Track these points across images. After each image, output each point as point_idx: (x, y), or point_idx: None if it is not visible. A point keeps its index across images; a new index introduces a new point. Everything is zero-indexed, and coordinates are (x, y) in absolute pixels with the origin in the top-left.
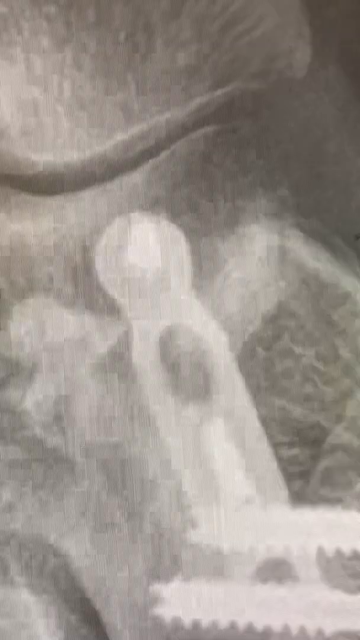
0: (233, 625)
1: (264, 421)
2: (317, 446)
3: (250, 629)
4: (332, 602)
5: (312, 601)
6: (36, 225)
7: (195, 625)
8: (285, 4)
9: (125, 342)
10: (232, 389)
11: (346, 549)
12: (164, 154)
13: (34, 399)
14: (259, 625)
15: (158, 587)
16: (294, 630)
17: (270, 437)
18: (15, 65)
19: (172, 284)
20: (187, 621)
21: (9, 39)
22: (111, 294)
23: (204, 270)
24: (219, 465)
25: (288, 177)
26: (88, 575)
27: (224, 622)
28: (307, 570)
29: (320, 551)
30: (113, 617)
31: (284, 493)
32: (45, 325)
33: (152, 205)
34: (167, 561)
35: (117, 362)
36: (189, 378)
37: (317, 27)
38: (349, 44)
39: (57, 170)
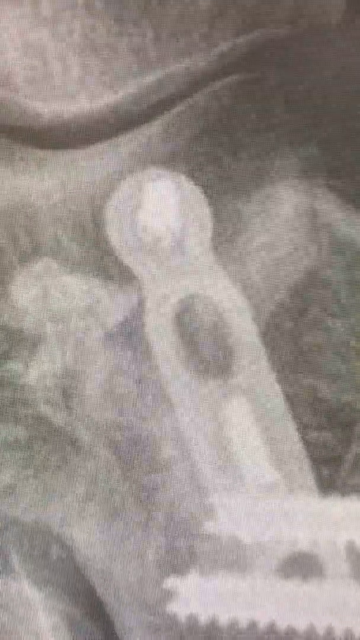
0: (253, 624)
1: (290, 401)
2: (348, 429)
3: (272, 628)
4: None
5: (340, 599)
6: (42, 182)
7: (212, 623)
8: None
9: (138, 311)
10: (255, 364)
11: None
12: (182, 105)
13: (38, 372)
14: (282, 625)
15: (172, 582)
16: (320, 631)
17: (296, 418)
18: (21, 7)
19: (191, 248)
20: (203, 619)
21: None
22: (123, 258)
23: (226, 233)
24: (239, 448)
25: (318, 133)
26: (95, 567)
27: (243, 621)
28: (335, 565)
29: (350, 545)
30: (122, 613)
31: (311, 480)
32: (51, 291)
33: (170, 161)
34: (182, 553)
35: (129, 333)
36: (207, 352)
37: None
38: None
39: (65, 122)
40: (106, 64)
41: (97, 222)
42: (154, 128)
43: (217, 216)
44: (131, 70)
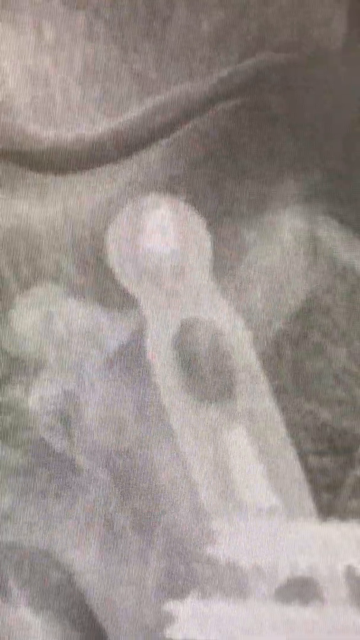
0: None
1: (291, 427)
2: (348, 455)
3: None
4: None
5: (339, 624)
6: (43, 207)
7: None
8: None
9: (138, 336)
10: (256, 390)
11: None
12: (183, 130)
13: (38, 397)
14: None
15: (170, 606)
16: None
17: (297, 444)
18: (23, 33)
19: (191, 273)
20: None
21: (18, 4)
22: (124, 283)
23: (226, 259)
24: (239, 474)
25: (320, 160)
26: (94, 592)
27: None
28: (334, 590)
29: (349, 570)
30: (121, 637)
31: (310, 505)
32: (52, 317)
33: (170, 186)
34: (181, 578)
35: (130, 358)
36: (208, 378)
37: None
38: None
39: (66, 147)
40: (107, 89)
41: (98, 247)
42: (155, 153)
43: (217, 242)
44: (132, 95)
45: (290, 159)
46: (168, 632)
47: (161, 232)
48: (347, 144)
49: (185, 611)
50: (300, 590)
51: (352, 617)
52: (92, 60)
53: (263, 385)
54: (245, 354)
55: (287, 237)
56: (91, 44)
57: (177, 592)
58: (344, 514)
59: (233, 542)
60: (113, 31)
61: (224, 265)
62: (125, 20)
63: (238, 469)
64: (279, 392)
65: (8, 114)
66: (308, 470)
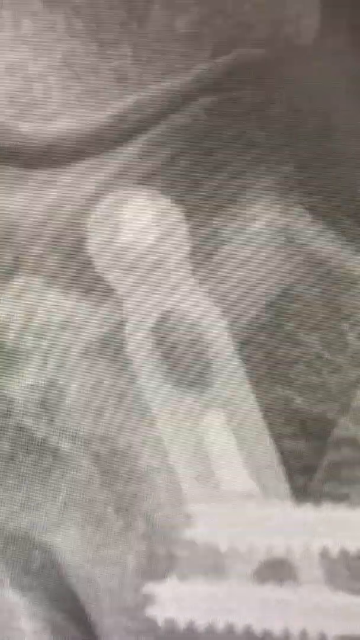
0: (230, 628)
1: (266, 412)
2: (321, 439)
3: (248, 632)
4: (335, 604)
5: (314, 603)
6: (24, 201)
7: (190, 627)
8: None
9: (118, 326)
10: (232, 377)
11: (351, 548)
12: (160, 125)
13: (20, 386)
14: (258, 628)
15: (151, 587)
16: (295, 634)
17: (272, 428)
18: (3, 29)
19: (169, 264)
20: (181, 623)
21: None
22: (103, 274)
23: (203, 250)
24: (217, 458)
25: (293, 153)
26: (76, 573)
27: (220, 625)
28: (309, 570)
29: (324, 551)
30: (103, 617)
31: (286, 488)
32: (33, 307)
33: (148, 180)
34: (161, 559)
35: (110, 347)
36: (185, 365)
37: None
38: None
39: (46, 142)
40: (86, 85)
41: (78, 240)
42: (133, 148)
43: (194, 234)
44: (111, 90)
45: (263, 152)
46: (149, 612)
47: (139, 224)
48: (319, 137)
49: (165, 592)
50: (277, 571)
51: (327, 596)
52: (71, 56)
53: (239, 373)
54: (221, 342)
55: (262, 229)
56: (70, 41)
57: (158, 573)
58: (318, 497)
59: (211, 525)
60: (91, 29)
61: (201, 256)
62: (103, 18)
63: (215, 453)
64: (254, 378)
65: None
66: (283, 453)
